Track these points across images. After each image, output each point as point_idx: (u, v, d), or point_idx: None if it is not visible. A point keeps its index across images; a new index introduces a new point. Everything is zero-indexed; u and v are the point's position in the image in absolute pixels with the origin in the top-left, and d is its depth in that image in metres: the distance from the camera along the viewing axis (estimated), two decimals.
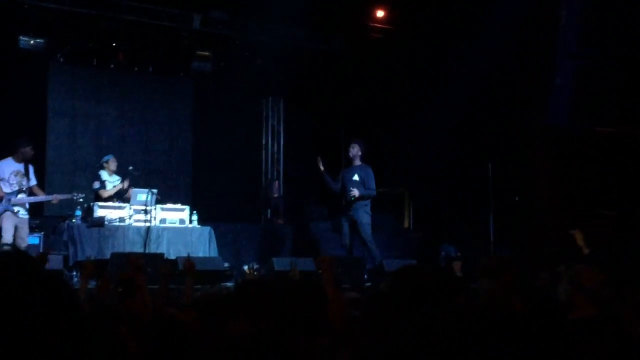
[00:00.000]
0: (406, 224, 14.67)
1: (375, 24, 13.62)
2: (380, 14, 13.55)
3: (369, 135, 14.35)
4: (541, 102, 10.34)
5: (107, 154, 11.20)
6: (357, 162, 10.76)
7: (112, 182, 10.72)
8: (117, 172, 10.83)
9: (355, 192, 10.40)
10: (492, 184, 10.98)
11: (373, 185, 10.61)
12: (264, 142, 14.85)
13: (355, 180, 10.57)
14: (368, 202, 10.58)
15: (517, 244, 10.97)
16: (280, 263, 9.70)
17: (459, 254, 11.06)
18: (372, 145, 14.33)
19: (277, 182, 14.40)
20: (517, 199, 11.26)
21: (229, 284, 9.24)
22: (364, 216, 10.54)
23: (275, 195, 14.05)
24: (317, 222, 12.43)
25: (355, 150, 10.76)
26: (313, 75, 14.03)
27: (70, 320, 0.91)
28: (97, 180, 10.72)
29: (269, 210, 14.17)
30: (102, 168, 10.80)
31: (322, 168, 10.63)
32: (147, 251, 9.61)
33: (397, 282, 2.94)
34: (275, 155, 14.81)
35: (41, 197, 9.77)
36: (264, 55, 13.48)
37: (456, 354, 2.28)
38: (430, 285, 2.72)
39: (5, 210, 9.22)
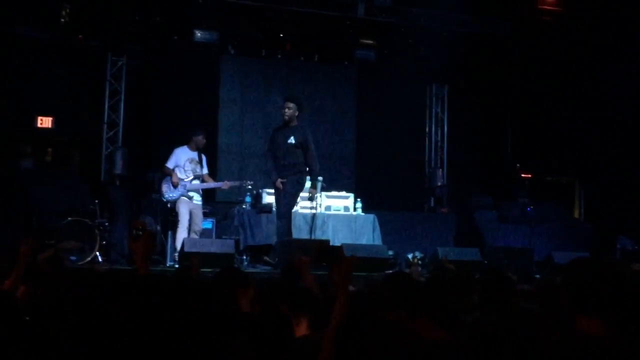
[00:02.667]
0: (576, 214, 14.08)
1: (545, 7, 13.08)
2: None
3: (536, 122, 13.90)
4: None
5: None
6: (294, 123, 9.23)
7: None
8: None
9: (278, 183, 9.06)
10: None
11: (314, 153, 9.21)
12: (427, 129, 14.70)
13: (291, 144, 9.11)
14: (303, 170, 9.25)
15: None
16: (444, 253, 9.59)
17: (636, 247, 10.42)
18: (539, 132, 13.87)
19: (440, 170, 14.22)
20: None
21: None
22: (291, 185, 9.14)
23: (439, 184, 13.89)
24: (482, 211, 12.17)
25: (291, 111, 9.16)
26: (478, 61, 13.73)
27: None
28: None
29: (432, 199, 14.05)
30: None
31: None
32: (312, 237, 9.80)
33: (573, 275, 2.79)
34: (439, 143, 14.63)
35: (213, 183, 10.22)
36: (428, 41, 13.32)
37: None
38: (611, 280, 2.56)
39: (181, 196, 9.73)
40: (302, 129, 9.28)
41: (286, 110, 9.20)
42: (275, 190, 9.28)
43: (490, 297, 4.02)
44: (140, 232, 3.48)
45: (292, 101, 9.29)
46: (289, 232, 9.19)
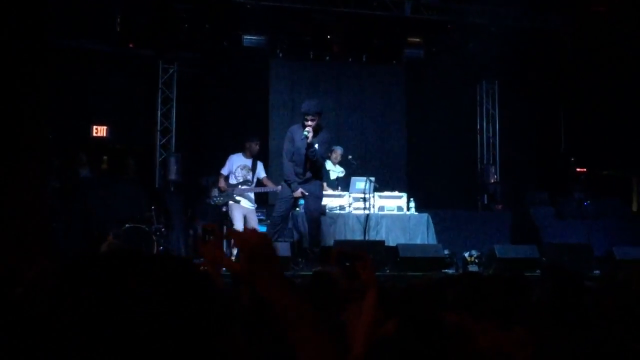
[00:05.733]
0: (635, 208, 13.78)
1: None
2: None
3: (590, 115, 13.66)
4: None
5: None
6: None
7: (336, 172, 10.98)
8: (340, 163, 11.07)
9: (298, 193, 9.10)
10: None
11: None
12: (478, 126, 14.58)
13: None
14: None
15: None
16: (502, 250, 9.50)
17: None
18: (593, 126, 13.63)
19: (493, 167, 14.08)
20: None
21: (449, 271, 9.20)
22: (317, 188, 9.29)
23: (492, 181, 13.75)
24: (538, 208, 11.99)
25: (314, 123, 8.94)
26: (529, 56, 13.58)
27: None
28: None
29: (485, 196, 13.92)
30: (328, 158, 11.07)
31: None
32: (366, 238, 9.80)
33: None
34: (491, 140, 14.50)
35: (271, 187, 10.30)
36: (477, 38, 13.21)
37: None
38: None
39: (227, 200, 9.91)
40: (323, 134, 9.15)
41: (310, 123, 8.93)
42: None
43: (554, 296, 3.96)
44: (212, 237, 3.43)
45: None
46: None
